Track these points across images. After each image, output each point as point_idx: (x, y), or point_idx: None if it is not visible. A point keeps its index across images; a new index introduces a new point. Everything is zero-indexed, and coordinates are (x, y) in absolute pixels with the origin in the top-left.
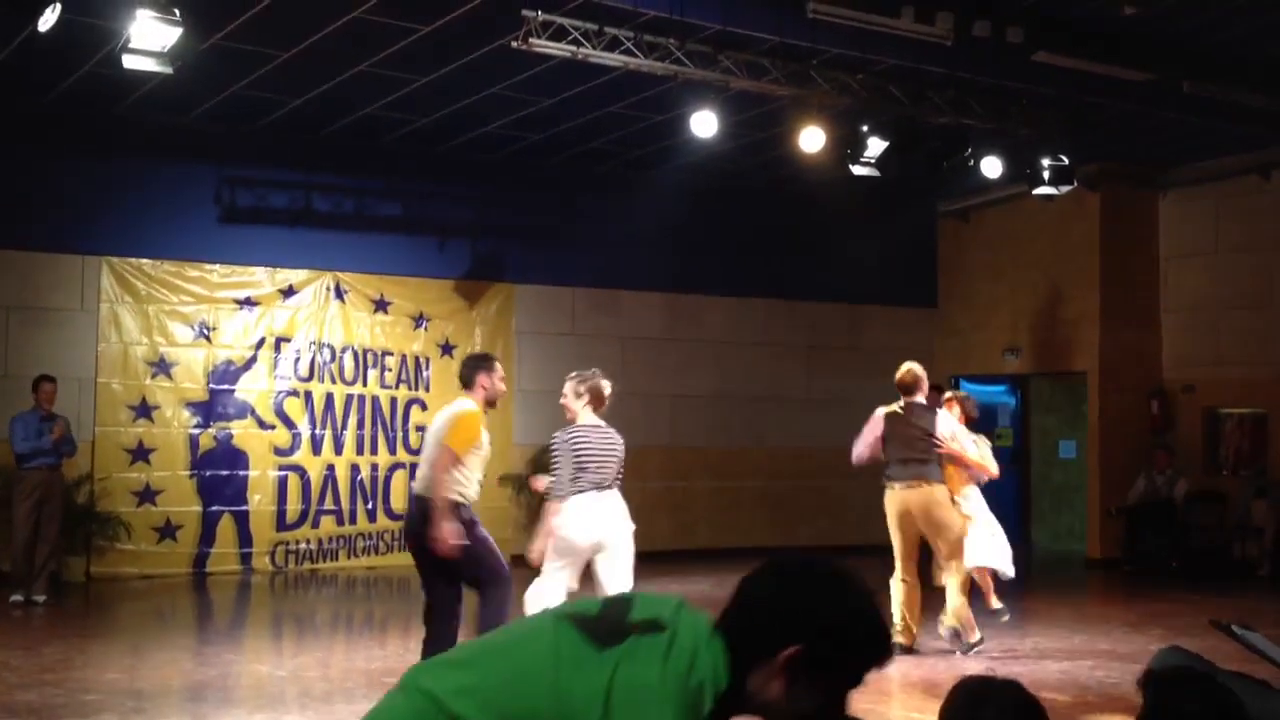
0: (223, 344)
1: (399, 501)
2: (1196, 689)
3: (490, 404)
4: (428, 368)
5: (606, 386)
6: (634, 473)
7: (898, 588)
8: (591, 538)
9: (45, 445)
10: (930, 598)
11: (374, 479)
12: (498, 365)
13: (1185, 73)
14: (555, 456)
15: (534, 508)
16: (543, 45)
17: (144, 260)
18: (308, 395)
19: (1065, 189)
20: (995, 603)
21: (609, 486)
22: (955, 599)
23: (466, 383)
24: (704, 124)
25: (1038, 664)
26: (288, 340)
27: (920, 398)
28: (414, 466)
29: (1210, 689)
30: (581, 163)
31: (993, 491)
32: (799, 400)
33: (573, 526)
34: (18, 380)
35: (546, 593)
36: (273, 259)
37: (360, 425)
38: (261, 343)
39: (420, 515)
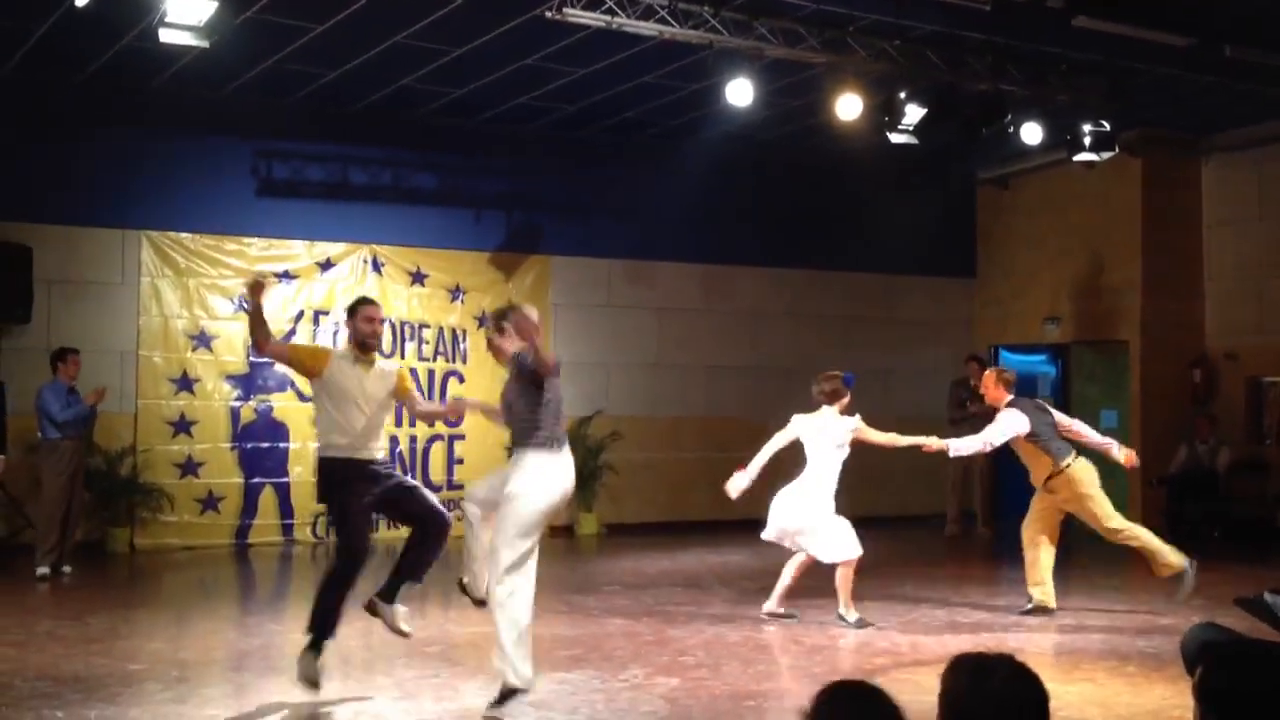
0: None
1: (437, 473)
2: (1259, 663)
3: (360, 347)
4: (464, 340)
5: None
6: (670, 443)
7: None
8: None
9: (84, 413)
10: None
11: (412, 450)
12: (362, 308)
13: (1227, 37)
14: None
15: None
16: (577, 15)
17: (183, 234)
18: None
19: (1106, 155)
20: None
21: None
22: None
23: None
24: (740, 93)
25: (1078, 634)
26: (326, 313)
27: None
28: (452, 438)
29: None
30: (616, 133)
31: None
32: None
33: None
34: None
35: (527, 583)
36: (310, 232)
37: None
38: (300, 316)
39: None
